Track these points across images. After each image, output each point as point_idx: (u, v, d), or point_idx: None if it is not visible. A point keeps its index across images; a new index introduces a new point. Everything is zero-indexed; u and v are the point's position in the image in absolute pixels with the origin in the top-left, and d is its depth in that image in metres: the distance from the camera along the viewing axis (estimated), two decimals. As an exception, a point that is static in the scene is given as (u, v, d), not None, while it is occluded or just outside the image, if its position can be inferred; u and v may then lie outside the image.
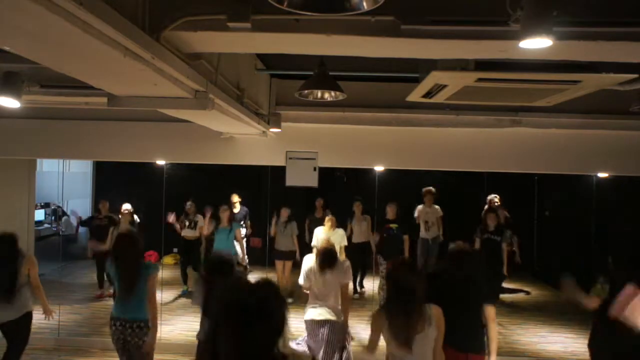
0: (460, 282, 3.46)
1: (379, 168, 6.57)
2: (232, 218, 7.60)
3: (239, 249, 7.44)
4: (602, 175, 6.33)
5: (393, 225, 7.56)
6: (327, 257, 4.38)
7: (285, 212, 7.79)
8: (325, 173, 6.22)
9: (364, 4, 1.78)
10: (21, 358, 4.48)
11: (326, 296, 4.42)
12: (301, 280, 4.56)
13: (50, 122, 6.01)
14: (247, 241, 8.50)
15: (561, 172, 6.28)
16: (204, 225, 7.84)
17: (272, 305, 1.66)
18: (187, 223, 8.13)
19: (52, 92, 4.25)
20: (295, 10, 1.80)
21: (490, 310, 3.60)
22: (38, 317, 4.58)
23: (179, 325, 6.47)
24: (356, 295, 7.99)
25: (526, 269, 9.34)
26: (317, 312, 4.41)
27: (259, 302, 1.64)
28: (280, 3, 1.73)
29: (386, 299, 3.14)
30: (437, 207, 8.34)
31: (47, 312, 4.63)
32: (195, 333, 3.86)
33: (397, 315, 2.94)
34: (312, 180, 6.00)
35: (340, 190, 9.16)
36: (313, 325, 4.42)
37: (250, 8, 2.44)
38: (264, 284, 1.74)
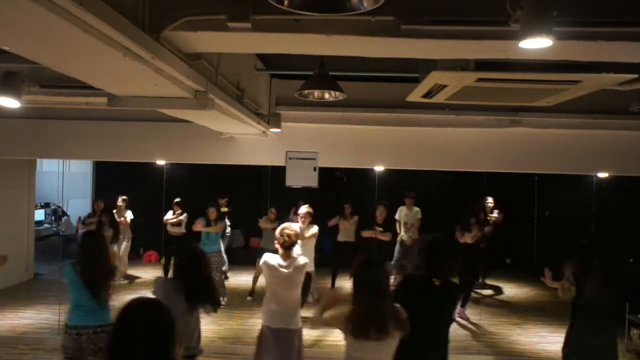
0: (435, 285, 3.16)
1: (379, 168, 6.56)
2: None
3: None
4: (602, 175, 6.33)
5: (378, 229, 7.49)
6: (290, 239, 4.02)
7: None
8: (325, 173, 6.22)
9: (364, 4, 1.78)
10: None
11: (288, 298, 4.01)
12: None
13: (50, 122, 6.01)
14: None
15: (561, 172, 6.29)
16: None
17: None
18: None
19: (52, 92, 4.25)
20: (295, 10, 1.80)
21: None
22: (37, 318, 4.57)
23: (178, 325, 6.47)
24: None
25: (526, 268, 9.35)
26: (276, 317, 4.00)
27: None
28: (281, 3, 1.73)
29: (352, 296, 2.81)
30: (417, 209, 8.39)
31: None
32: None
33: (364, 309, 2.69)
34: (312, 180, 6.00)
35: (340, 191, 9.15)
36: (269, 334, 3.99)
37: (250, 8, 2.44)
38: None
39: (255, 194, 8.99)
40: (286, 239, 3.98)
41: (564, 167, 6.00)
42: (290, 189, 6.23)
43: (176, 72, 2.73)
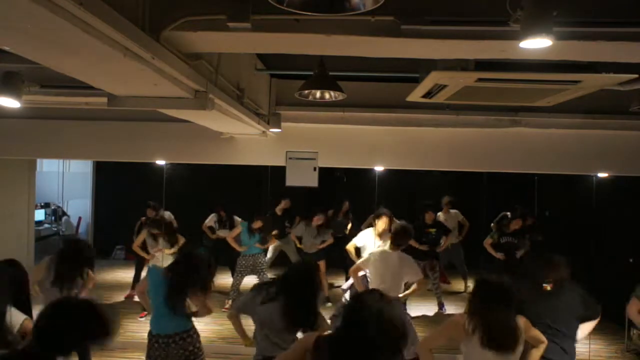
0: None
1: (379, 168, 6.56)
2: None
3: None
4: (602, 175, 6.33)
5: (432, 230, 7.36)
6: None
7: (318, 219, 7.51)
8: (325, 173, 6.21)
9: (364, 4, 1.78)
10: None
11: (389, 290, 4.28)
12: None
13: (50, 122, 6.00)
14: None
15: (561, 172, 6.28)
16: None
17: None
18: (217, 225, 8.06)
19: (52, 92, 4.25)
20: (295, 10, 1.80)
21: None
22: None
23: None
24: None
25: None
26: None
27: None
28: (280, 3, 1.73)
29: (477, 305, 2.80)
30: (456, 211, 8.32)
31: None
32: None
33: (498, 319, 2.71)
34: (312, 180, 6.00)
35: (340, 190, 9.15)
36: None
37: (250, 8, 2.44)
38: None
39: (256, 194, 8.97)
40: None
41: (564, 167, 5.99)
42: (290, 189, 6.23)
43: (176, 72, 2.73)
